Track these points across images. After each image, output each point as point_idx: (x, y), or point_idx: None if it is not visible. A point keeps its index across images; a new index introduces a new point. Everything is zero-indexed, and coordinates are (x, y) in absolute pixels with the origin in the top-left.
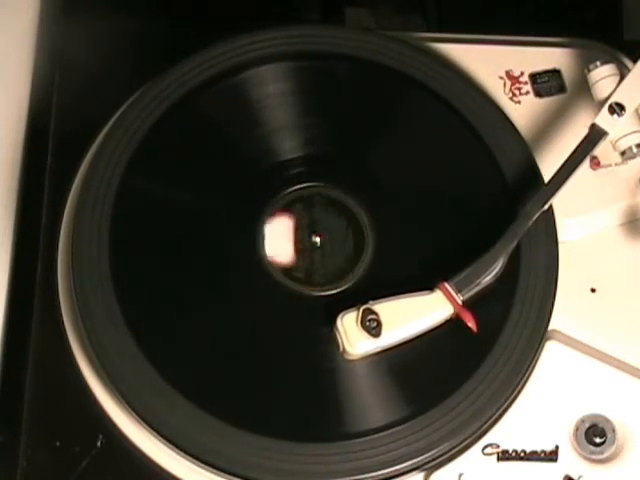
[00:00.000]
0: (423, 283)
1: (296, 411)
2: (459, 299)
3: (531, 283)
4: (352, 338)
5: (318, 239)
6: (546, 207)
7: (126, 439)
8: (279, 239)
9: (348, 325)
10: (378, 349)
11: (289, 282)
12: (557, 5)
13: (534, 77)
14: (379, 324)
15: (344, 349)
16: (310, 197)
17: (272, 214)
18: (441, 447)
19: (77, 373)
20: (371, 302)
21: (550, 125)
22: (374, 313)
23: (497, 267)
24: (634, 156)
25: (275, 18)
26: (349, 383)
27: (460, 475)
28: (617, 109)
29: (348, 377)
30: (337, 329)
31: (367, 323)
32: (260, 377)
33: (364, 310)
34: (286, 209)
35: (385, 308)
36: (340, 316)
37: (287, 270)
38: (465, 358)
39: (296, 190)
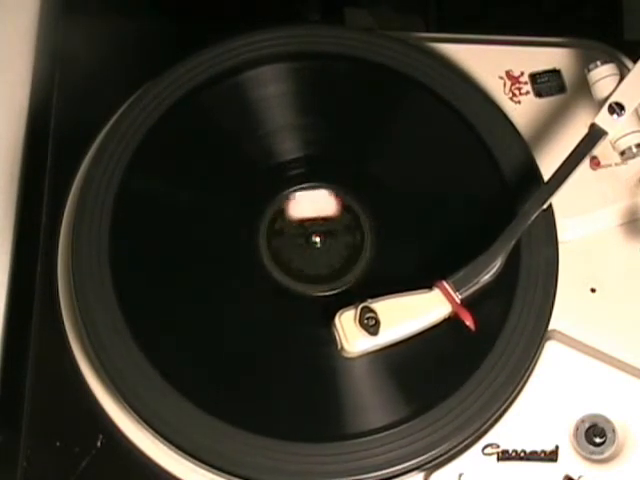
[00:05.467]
0: (424, 282)
1: (296, 411)
2: (457, 298)
3: (531, 283)
4: (350, 336)
5: (318, 239)
6: (545, 206)
7: (126, 439)
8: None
9: (346, 323)
10: (376, 347)
11: (289, 282)
12: (557, 5)
13: (534, 77)
14: (377, 322)
15: (342, 347)
16: None
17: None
18: (441, 447)
19: (77, 373)
20: (369, 300)
21: (550, 125)
22: (372, 311)
23: (496, 266)
24: (634, 156)
25: (275, 18)
26: (349, 383)
27: (460, 475)
28: (617, 109)
29: (348, 377)
30: (335, 327)
31: (365, 321)
32: (260, 377)
33: (362, 308)
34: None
35: (383, 306)
36: (338, 314)
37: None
38: (465, 358)
39: (296, 190)
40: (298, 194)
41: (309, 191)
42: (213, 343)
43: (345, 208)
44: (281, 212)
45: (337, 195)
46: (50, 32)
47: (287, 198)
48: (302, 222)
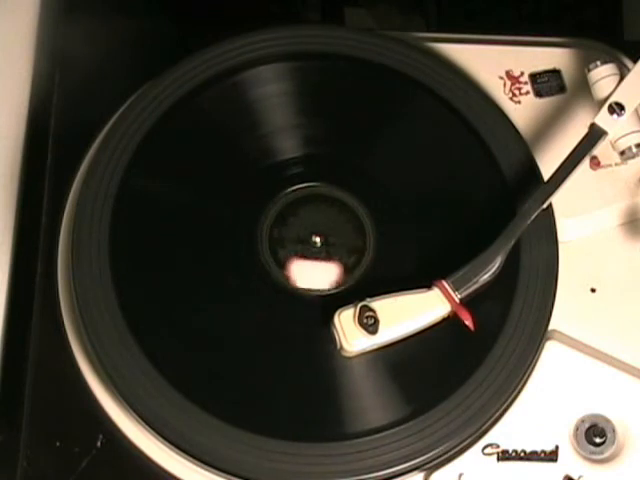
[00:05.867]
0: (423, 282)
1: (296, 411)
2: (456, 297)
3: (531, 283)
4: (349, 335)
5: (318, 239)
6: (545, 206)
7: (126, 439)
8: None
9: (345, 322)
10: (375, 346)
11: (289, 282)
12: (557, 5)
13: (534, 77)
14: (376, 321)
15: (341, 346)
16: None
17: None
18: (441, 447)
19: (77, 373)
20: (368, 299)
21: (550, 125)
22: (371, 310)
23: (495, 266)
24: (633, 156)
25: (275, 18)
26: (349, 383)
27: (460, 475)
28: (617, 109)
29: (348, 377)
30: (334, 326)
31: (364, 320)
32: (260, 377)
33: (361, 307)
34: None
35: (382, 305)
36: (337, 313)
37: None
38: (465, 358)
39: (296, 190)
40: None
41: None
42: (213, 343)
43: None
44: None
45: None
46: (50, 32)
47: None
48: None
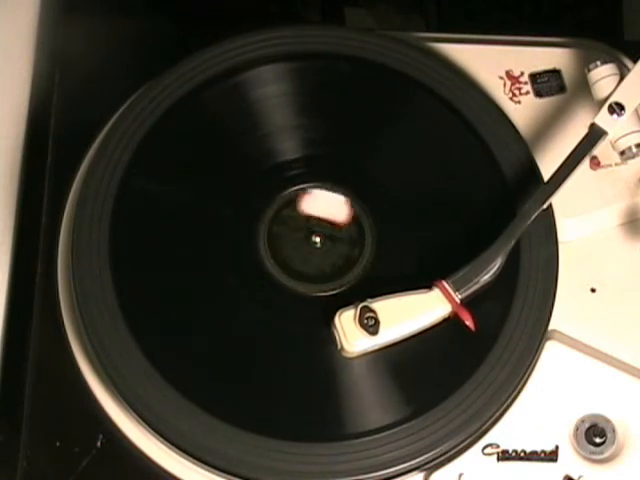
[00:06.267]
0: (424, 282)
1: (296, 411)
2: (457, 297)
3: (531, 283)
4: (350, 336)
5: (318, 239)
6: (545, 206)
7: (126, 439)
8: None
9: (346, 323)
10: (376, 347)
11: (289, 282)
12: (557, 5)
13: (534, 77)
14: (377, 322)
15: (342, 347)
16: None
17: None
18: (441, 447)
19: (77, 373)
20: (369, 300)
21: (550, 125)
22: (372, 311)
23: (495, 266)
24: (633, 156)
25: (275, 18)
26: (349, 383)
27: (460, 475)
28: (617, 109)
29: (348, 377)
30: (335, 327)
31: (365, 321)
32: (260, 377)
33: (362, 308)
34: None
35: (383, 306)
36: (338, 314)
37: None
38: (465, 358)
39: (296, 190)
40: (315, 191)
41: (327, 192)
42: (213, 343)
43: (354, 220)
44: (290, 204)
45: (352, 205)
46: (50, 32)
47: (303, 191)
48: (308, 218)
